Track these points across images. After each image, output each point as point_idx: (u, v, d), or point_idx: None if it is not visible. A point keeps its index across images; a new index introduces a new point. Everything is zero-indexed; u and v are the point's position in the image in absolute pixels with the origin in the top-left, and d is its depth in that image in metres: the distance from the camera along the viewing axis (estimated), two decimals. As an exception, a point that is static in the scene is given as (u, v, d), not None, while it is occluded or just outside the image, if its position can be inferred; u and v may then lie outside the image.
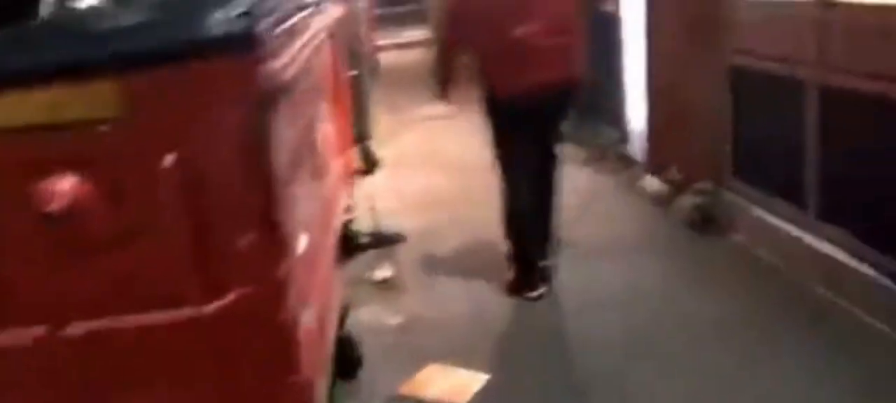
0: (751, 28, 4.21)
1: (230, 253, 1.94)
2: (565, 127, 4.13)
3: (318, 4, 3.84)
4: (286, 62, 2.25)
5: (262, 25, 2.07)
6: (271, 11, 2.31)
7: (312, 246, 2.61)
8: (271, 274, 2.00)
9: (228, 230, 1.94)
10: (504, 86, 3.84)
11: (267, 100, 2.02)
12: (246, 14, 2.08)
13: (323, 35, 3.95)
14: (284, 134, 2.31)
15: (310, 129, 3.12)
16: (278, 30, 2.28)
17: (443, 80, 4.14)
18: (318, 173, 3.37)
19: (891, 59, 3.22)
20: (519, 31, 3.73)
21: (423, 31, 18.06)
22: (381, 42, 14.93)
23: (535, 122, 3.91)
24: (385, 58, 14.29)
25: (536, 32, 3.73)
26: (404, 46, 15.90)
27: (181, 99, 1.91)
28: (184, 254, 1.91)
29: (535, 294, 4.02)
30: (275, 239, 2.01)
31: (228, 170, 1.94)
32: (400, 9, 21.49)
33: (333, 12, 4.46)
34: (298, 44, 2.74)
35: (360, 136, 6.45)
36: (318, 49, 3.71)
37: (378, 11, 17.09)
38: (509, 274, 4.13)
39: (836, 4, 3.52)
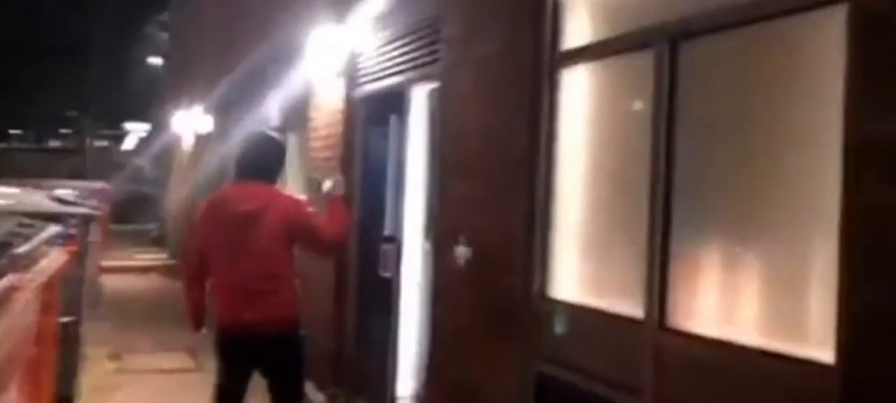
0: (566, 333, 3.69)
1: None
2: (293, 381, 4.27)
3: (30, 254, 2.87)
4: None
5: None
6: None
7: None
8: None
9: None
10: (220, 319, 4.17)
11: None
12: None
13: (28, 293, 2.95)
14: None
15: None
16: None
17: (189, 313, 4.39)
18: None
19: (731, 399, 2.76)
20: (233, 269, 4.09)
21: (161, 253, 16.68)
22: (110, 263, 13.37)
23: (247, 363, 4.18)
24: (115, 282, 12.70)
25: (247, 272, 4.06)
26: (139, 270, 14.38)
27: None
28: None
29: None
30: None
31: None
32: (136, 227, 19.93)
33: (56, 258, 3.46)
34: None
35: (63, 397, 5.14)
36: (18, 312, 2.71)
37: (110, 227, 15.59)
38: None
39: (673, 331, 3.07)
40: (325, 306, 6.41)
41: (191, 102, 13.72)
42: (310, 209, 4.37)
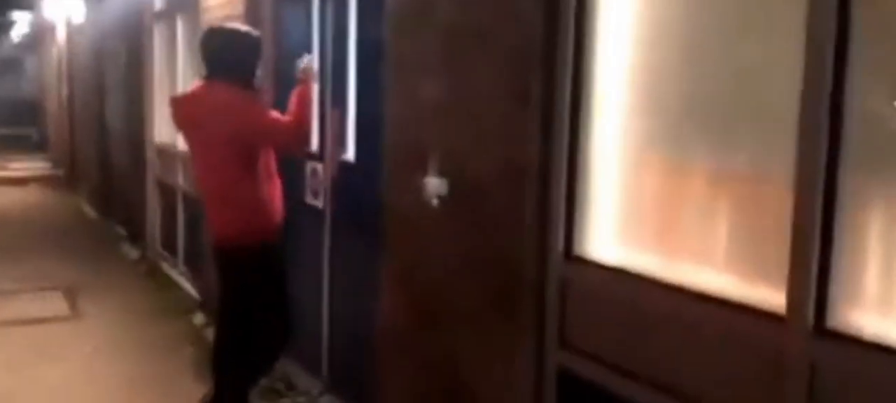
0: (601, 314, 2.38)
1: None
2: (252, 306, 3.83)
3: None
4: None
5: None
6: None
7: None
8: None
9: None
10: None
11: None
12: None
13: None
14: None
15: None
16: None
17: None
18: None
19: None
20: (199, 175, 3.96)
21: (43, 162, 14.64)
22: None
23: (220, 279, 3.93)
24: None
25: (206, 179, 3.85)
26: (15, 182, 12.43)
27: None
28: None
29: None
30: None
31: None
32: (17, 131, 17.61)
33: None
34: None
35: None
36: None
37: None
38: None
39: (844, 338, 1.78)
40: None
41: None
42: (260, 107, 3.82)
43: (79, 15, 10.56)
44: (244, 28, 3.96)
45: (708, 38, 2.15)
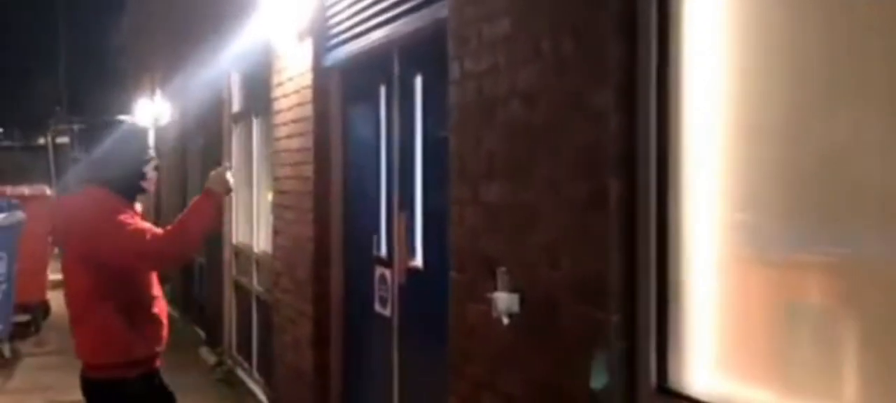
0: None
1: None
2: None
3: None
4: None
5: None
6: None
7: None
8: None
9: None
10: None
11: None
12: None
13: None
14: None
15: None
16: None
17: None
18: None
19: None
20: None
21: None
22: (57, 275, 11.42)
23: None
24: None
25: (67, 298, 3.45)
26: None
27: None
28: None
29: None
30: None
31: None
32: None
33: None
34: None
35: None
36: None
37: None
38: None
39: None
40: (300, 355, 4.71)
41: (152, 90, 11.98)
42: (121, 224, 3.24)
43: (165, 116, 10.76)
44: (129, 129, 3.75)
45: (825, 112, 1.79)
